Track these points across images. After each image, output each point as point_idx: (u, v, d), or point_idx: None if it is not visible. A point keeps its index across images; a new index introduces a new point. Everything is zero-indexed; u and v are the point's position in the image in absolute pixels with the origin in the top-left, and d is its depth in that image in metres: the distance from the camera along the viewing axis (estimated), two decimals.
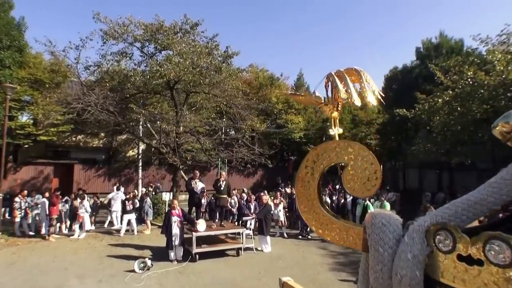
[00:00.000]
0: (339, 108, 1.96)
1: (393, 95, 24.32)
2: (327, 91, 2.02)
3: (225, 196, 11.33)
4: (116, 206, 14.40)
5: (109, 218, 14.84)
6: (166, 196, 16.51)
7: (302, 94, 2.33)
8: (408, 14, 79.80)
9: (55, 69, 17.75)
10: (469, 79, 14.95)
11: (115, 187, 15.66)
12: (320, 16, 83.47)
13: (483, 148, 16.36)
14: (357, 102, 1.71)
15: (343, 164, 1.90)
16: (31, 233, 12.93)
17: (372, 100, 1.73)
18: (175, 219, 9.88)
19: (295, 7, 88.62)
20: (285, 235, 13.79)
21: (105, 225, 14.72)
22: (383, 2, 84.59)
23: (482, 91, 14.29)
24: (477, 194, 1.21)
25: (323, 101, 2.04)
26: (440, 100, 15.86)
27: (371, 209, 12.55)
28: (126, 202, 13.70)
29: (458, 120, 15.27)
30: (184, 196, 15.90)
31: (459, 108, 15.11)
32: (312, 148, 1.85)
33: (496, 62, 14.40)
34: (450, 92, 15.77)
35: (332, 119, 2.00)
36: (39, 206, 12.86)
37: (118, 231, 13.78)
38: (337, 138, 1.91)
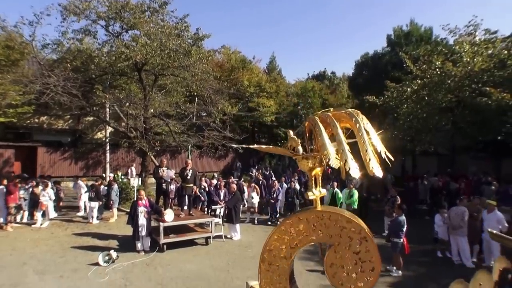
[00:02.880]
0: (322, 163, 1.59)
1: (363, 81, 24.58)
2: (306, 139, 1.72)
3: (192, 185, 11.16)
4: (84, 195, 14.13)
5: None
6: (134, 182, 16.14)
7: (276, 147, 1.99)
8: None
9: (11, 45, 16.47)
10: (437, 69, 15.26)
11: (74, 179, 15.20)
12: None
13: (446, 135, 16.92)
14: (353, 171, 1.33)
15: (324, 245, 1.57)
16: None
17: (376, 169, 1.34)
18: (141, 210, 9.64)
19: None
20: (256, 221, 13.84)
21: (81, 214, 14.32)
22: None
23: (449, 81, 14.64)
24: None
25: (301, 152, 1.70)
26: (409, 89, 16.15)
27: (340, 196, 12.75)
28: (90, 189, 13.33)
29: (425, 108, 15.64)
30: (154, 180, 15.61)
31: (426, 98, 15.45)
32: (283, 224, 1.56)
33: (463, 53, 14.74)
34: (419, 81, 16.08)
35: (313, 178, 1.67)
36: None
37: (85, 218, 13.46)
38: (318, 204, 1.59)
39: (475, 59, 14.34)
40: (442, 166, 20.75)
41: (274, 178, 16.15)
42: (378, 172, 1.35)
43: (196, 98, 19.10)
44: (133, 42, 14.34)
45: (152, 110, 16.09)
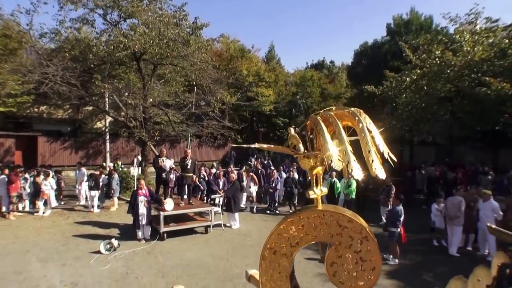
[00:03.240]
0: (324, 162, 1.53)
1: (362, 70, 24.51)
2: (308, 137, 1.67)
3: (191, 174, 11.27)
4: (80, 183, 14.23)
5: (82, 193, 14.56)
6: (134, 171, 16.24)
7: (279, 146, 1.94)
8: None
9: (8, 34, 16.34)
10: (436, 59, 15.23)
11: (79, 165, 15.19)
12: None
13: (444, 125, 16.98)
14: (356, 173, 1.31)
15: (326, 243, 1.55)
16: None
17: (379, 171, 1.33)
18: (141, 199, 9.76)
19: None
20: (254, 210, 14.00)
21: (82, 202, 14.43)
22: None
23: (448, 71, 14.63)
24: None
25: (302, 151, 1.65)
26: (408, 79, 16.15)
27: (338, 185, 12.85)
28: (89, 178, 13.45)
29: (423, 98, 15.68)
30: (153, 169, 15.71)
31: (425, 87, 15.46)
32: (284, 222, 1.56)
33: (463, 42, 14.69)
34: (418, 71, 16.06)
35: (314, 177, 1.65)
36: None
37: (86, 207, 13.61)
38: (319, 203, 1.58)
39: (475, 48, 14.32)
40: (439, 156, 20.87)
41: (273, 168, 16.24)
42: (381, 174, 1.34)
43: (195, 87, 19.06)
44: (131, 31, 14.25)
45: (151, 100, 16.08)
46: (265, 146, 2.03)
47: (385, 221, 10.16)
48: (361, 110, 1.47)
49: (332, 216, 1.47)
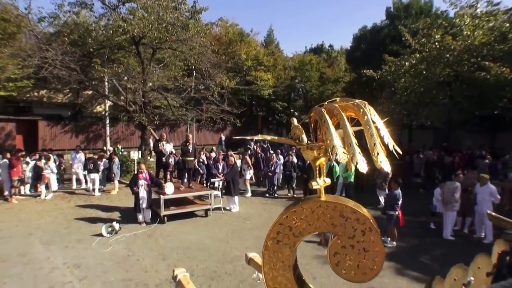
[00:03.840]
0: (327, 153, 1.50)
1: (361, 54, 24.39)
2: (311, 129, 1.65)
3: (192, 158, 11.34)
4: (76, 167, 14.33)
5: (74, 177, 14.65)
6: (135, 155, 16.32)
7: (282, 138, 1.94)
8: None
9: (6, 17, 16.18)
10: (436, 43, 15.16)
11: (77, 149, 15.23)
12: None
13: (442, 110, 17.01)
14: (361, 166, 1.30)
15: (328, 234, 1.60)
16: None
17: (385, 164, 1.31)
18: (142, 183, 9.85)
19: None
20: (249, 193, 14.08)
21: (74, 186, 14.51)
22: None
23: (448, 55, 14.58)
24: None
25: (305, 142, 1.65)
26: (407, 63, 16.09)
27: (337, 169, 12.93)
28: (87, 162, 13.60)
29: (422, 83, 15.67)
30: (153, 153, 15.79)
31: (424, 72, 15.42)
32: (287, 212, 1.59)
33: (464, 26, 14.59)
34: (417, 55, 15.99)
35: (317, 168, 1.63)
36: (0, 166, 12.40)
37: (87, 190, 13.77)
38: (323, 194, 1.59)
39: (475, 33, 14.24)
40: (437, 140, 20.99)
41: (272, 151, 16.32)
42: (386, 167, 1.32)
43: (194, 71, 19.00)
44: (130, 16, 14.15)
45: (150, 84, 16.06)
46: (268, 137, 2.03)
47: (383, 204, 10.30)
48: (366, 102, 1.47)
49: (336, 207, 1.49)
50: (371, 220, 1.46)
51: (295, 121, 1.76)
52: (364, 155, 1.36)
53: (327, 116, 1.45)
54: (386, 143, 1.36)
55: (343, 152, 1.35)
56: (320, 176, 1.62)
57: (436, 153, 16.33)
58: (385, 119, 1.47)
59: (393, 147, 1.38)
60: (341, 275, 1.49)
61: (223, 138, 26.35)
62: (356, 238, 1.45)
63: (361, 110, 1.41)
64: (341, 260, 1.47)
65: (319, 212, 1.50)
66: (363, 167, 1.30)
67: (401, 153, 1.42)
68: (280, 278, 1.62)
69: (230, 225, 10.06)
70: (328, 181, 1.64)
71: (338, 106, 1.47)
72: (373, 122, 1.39)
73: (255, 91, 27.21)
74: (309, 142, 1.65)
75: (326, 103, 1.55)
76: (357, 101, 1.47)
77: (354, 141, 1.35)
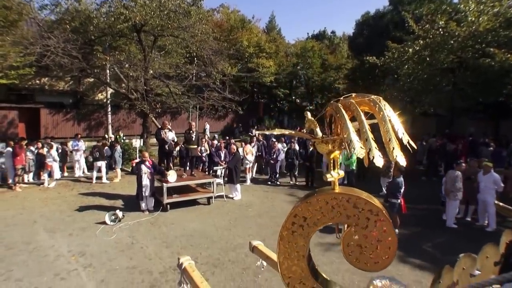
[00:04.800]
0: (341, 147, 1.60)
1: (363, 41, 24.15)
2: (326, 122, 1.69)
3: (196, 146, 11.34)
4: (78, 156, 14.33)
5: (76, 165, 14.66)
6: (137, 142, 16.34)
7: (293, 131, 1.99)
8: None
9: (8, 5, 16.03)
10: (440, 29, 14.96)
11: (77, 137, 15.18)
12: None
13: (446, 97, 16.88)
14: (377, 160, 1.32)
15: (342, 226, 1.63)
16: None
17: (400, 158, 1.34)
18: (145, 171, 9.87)
19: None
20: (249, 181, 14.11)
21: (76, 174, 14.53)
22: None
23: (452, 41, 14.41)
24: None
25: (320, 135, 1.69)
26: (410, 49, 15.91)
27: (340, 157, 12.91)
28: (93, 150, 13.54)
29: (426, 69, 15.52)
30: (155, 140, 15.78)
31: (427, 58, 15.26)
32: (302, 203, 1.62)
33: (468, 12, 14.37)
34: (421, 41, 15.80)
35: (332, 161, 1.68)
36: (4, 155, 12.44)
37: (90, 178, 13.77)
38: (337, 186, 1.63)
39: (480, 18, 14.02)
40: (441, 128, 20.88)
41: (274, 139, 16.29)
42: (401, 161, 1.34)
43: (196, 59, 18.86)
44: (132, 3, 13.98)
45: (152, 72, 15.98)
46: (286, 132, 2.08)
47: (385, 192, 10.30)
48: (381, 98, 1.49)
49: (350, 199, 1.53)
50: (383, 211, 1.50)
51: (309, 114, 1.80)
52: (379, 148, 1.38)
53: (343, 111, 1.47)
54: (401, 138, 1.38)
55: (360, 147, 1.37)
56: (334, 169, 1.65)
57: (439, 141, 16.24)
58: (398, 112, 1.49)
59: (408, 141, 1.40)
60: (355, 264, 1.53)
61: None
62: (369, 229, 1.49)
63: (377, 105, 1.44)
64: (354, 250, 1.51)
65: (334, 204, 1.54)
66: (379, 161, 1.33)
67: (416, 147, 1.44)
68: (295, 267, 1.67)
69: (233, 213, 10.11)
70: (342, 173, 1.68)
71: (355, 101, 1.49)
72: (388, 117, 1.41)
73: (257, 78, 27.08)
74: (323, 136, 1.69)
75: (342, 98, 1.57)
76: (372, 96, 1.49)
77: (371, 135, 1.38)
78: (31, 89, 21.23)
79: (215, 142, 15.34)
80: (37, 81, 21.06)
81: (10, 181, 12.42)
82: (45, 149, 12.97)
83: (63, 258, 6.88)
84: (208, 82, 18.19)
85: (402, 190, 8.64)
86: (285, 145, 15.49)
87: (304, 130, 1.84)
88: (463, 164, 9.76)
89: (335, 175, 1.62)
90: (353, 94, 1.57)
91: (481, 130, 17.87)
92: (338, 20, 78.49)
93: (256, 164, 15.41)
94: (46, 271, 6.33)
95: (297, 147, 14.93)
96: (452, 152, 14.46)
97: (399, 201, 8.63)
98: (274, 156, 14.35)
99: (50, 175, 12.94)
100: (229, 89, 19.22)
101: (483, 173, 9.15)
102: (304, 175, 13.87)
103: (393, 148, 1.34)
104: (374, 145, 1.35)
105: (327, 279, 1.79)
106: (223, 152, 13.79)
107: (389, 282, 1.56)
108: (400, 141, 1.38)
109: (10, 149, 12.22)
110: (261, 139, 16.30)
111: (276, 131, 2.03)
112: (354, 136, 1.38)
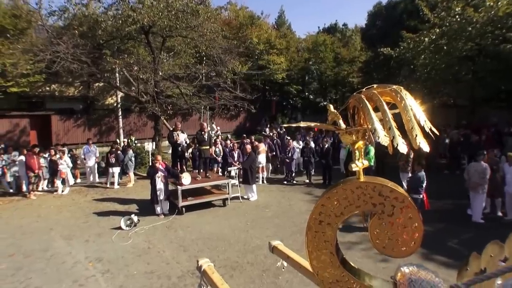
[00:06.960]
0: (365, 137, 1.69)
1: (376, 32, 23.66)
2: (349, 114, 1.76)
3: (208, 147, 11.13)
4: (91, 162, 14.09)
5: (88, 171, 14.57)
6: (149, 146, 16.26)
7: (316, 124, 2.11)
8: None
9: (17, 14, 16.24)
10: (457, 16, 14.46)
11: (88, 142, 15.09)
12: None
13: (466, 86, 16.33)
14: (401, 147, 1.39)
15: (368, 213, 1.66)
16: (11, 190, 12.67)
17: (423, 144, 1.38)
18: (159, 174, 9.72)
19: None
20: (264, 180, 13.85)
21: (89, 181, 14.41)
22: None
23: (469, 28, 13.91)
24: None
25: (343, 126, 1.76)
26: (426, 39, 15.41)
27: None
28: (109, 155, 13.41)
29: (443, 59, 15.04)
30: (167, 143, 15.68)
31: (445, 47, 14.77)
32: (328, 193, 1.66)
33: None
34: (437, 30, 15.30)
35: (357, 151, 1.74)
36: (17, 163, 12.47)
37: (103, 183, 13.74)
38: (362, 175, 1.66)
39: (499, 3, 13.46)
40: (461, 118, 20.20)
41: (289, 137, 15.95)
42: (425, 147, 1.37)
43: (205, 58, 18.70)
44: (139, 4, 13.89)
45: (161, 73, 15.88)
46: (312, 124, 2.14)
47: (405, 187, 9.94)
48: (401, 87, 1.53)
49: (375, 187, 1.55)
50: (408, 199, 1.53)
51: (331, 107, 1.86)
52: (403, 137, 1.44)
53: (366, 102, 1.53)
54: (423, 125, 1.43)
55: (384, 135, 1.43)
56: (359, 159, 1.69)
57: (461, 132, 15.62)
58: (419, 101, 1.53)
59: (430, 128, 1.45)
60: (381, 251, 1.56)
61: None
62: (395, 216, 1.52)
63: (399, 95, 1.49)
64: (381, 237, 1.54)
65: (359, 193, 1.58)
66: (403, 148, 1.39)
67: (438, 134, 1.50)
68: (324, 256, 1.72)
69: (249, 214, 9.88)
70: (366, 163, 1.73)
71: (377, 91, 1.54)
72: (410, 106, 1.46)
73: (268, 75, 26.80)
74: (347, 127, 1.74)
75: (364, 89, 1.62)
76: (394, 86, 1.54)
77: (394, 124, 1.43)
78: (41, 96, 21.27)
79: (228, 142, 15.14)
80: (47, 88, 21.09)
81: (24, 189, 12.43)
82: (57, 156, 12.95)
83: (80, 265, 6.82)
84: (218, 81, 17.99)
85: (424, 185, 8.34)
86: (301, 143, 15.11)
87: (327, 123, 1.88)
88: (486, 157, 9.29)
89: (360, 164, 1.66)
90: (375, 85, 1.62)
91: (504, 120, 17.17)
92: (349, 11, 77.32)
93: (271, 163, 15.07)
94: (65, 278, 6.27)
95: (312, 145, 14.58)
96: (475, 144, 13.85)
97: (421, 196, 8.32)
98: (289, 154, 14.03)
99: (64, 182, 12.92)
100: (240, 87, 18.99)
101: (509, 164, 8.72)
102: (321, 173, 13.54)
103: (416, 135, 1.38)
104: (397, 133, 1.41)
105: (355, 267, 1.82)
106: (236, 152, 13.58)
107: (416, 269, 1.50)
108: (422, 129, 1.43)
109: (23, 157, 12.22)
110: (275, 138, 16.01)
111: (302, 124, 2.06)
112: (378, 125, 1.45)
